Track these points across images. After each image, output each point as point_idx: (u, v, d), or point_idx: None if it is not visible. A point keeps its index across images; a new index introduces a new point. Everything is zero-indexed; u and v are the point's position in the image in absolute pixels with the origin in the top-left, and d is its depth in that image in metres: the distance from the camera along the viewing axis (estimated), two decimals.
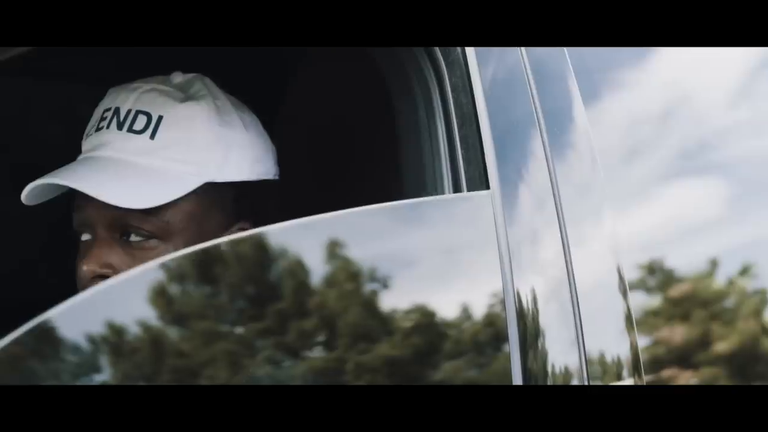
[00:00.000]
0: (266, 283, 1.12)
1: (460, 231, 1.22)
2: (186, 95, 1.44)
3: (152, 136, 1.39)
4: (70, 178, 1.37)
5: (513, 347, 1.17)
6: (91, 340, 1.04)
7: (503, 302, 1.18)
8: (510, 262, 1.19)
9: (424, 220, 1.21)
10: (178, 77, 1.48)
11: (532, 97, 1.30)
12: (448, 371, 1.16)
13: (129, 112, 1.41)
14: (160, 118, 1.40)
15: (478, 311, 1.17)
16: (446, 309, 1.16)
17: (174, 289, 1.08)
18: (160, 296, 1.07)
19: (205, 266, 1.10)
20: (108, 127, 1.42)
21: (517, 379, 1.18)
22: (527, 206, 1.24)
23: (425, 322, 1.15)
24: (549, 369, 1.20)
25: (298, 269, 1.12)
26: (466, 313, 1.16)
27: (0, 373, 1.03)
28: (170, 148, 1.39)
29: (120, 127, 1.41)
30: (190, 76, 1.48)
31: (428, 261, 1.20)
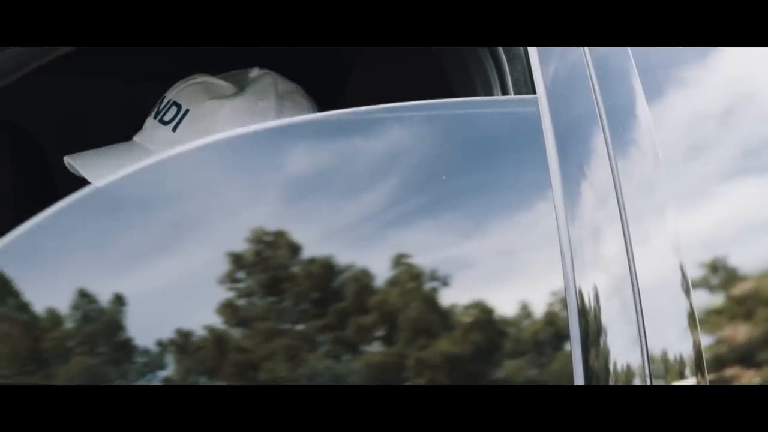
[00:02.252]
0: (328, 284, 1.13)
1: (521, 230, 1.22)
2: (234, 92, 1.44)
3: (174, 129, 1.40)
4: (81, 161, 1.41)
5: (574, 344, 1.17)
6: None
7: (564, 300, 1.17)
8: (572, 259, 1.19)
9: (484, 221, 1.21)
10: (254, 72, 1.49)
11: (595, 94, 1.29)
12: (510, 369, 1.15)
13: (168, 102, 1.43)
14: (187, 111, 1.41)
15: (539, 309, 1.17)
16: (506, 307, 1.16)
17: (241, 301, 1.10)
18: (226, 307, 1.09)
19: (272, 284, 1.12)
20: (150, 113, 1.44)
21: (579, 377, 1.17)
22: (589, 203, 1.23)
23: (485, 319, 1.15)
24: (611, 367, 1.19)
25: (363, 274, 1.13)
26: (526, 311, 1.16)
27: None
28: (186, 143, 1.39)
29: (156, 115, 1.43)
30: (263, 72, 1.49)
31: (488, 261, 1.20)
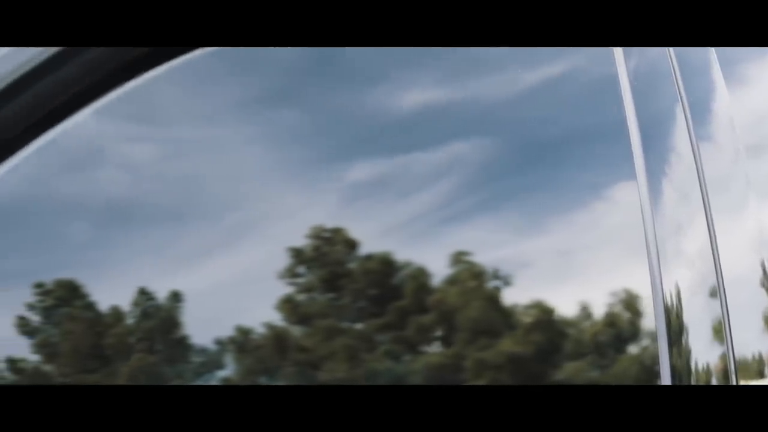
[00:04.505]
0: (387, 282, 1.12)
1: (579, 229, 1.20)
2: None
3: None
4: None
5: (661, 342, 1.15)
6: None
7: (625, 300, 1.16)
8: (658, 256, 1.17)
9: (543, 220, 1.20)
10: None
11: (678, 89, 1.27)
12: (570, 370, 1.14)
13: None
14: None
15: (599, 310, 1.16)
16: (566, 308, 1.15)
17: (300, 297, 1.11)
18: (286, 303, 1.10)
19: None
20: None
21: (665, 376, 1.15)
22: (673, 198, 1.22)
23: (545, 319, 1.13)
24: (692, 365, 1.18)
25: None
26: (586, 311, 1.15)
27: None
28: None
29: None
30: None
31: (548, 260, 1.19)
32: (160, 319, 1.09)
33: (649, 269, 1.16)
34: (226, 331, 1.09)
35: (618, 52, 1.27)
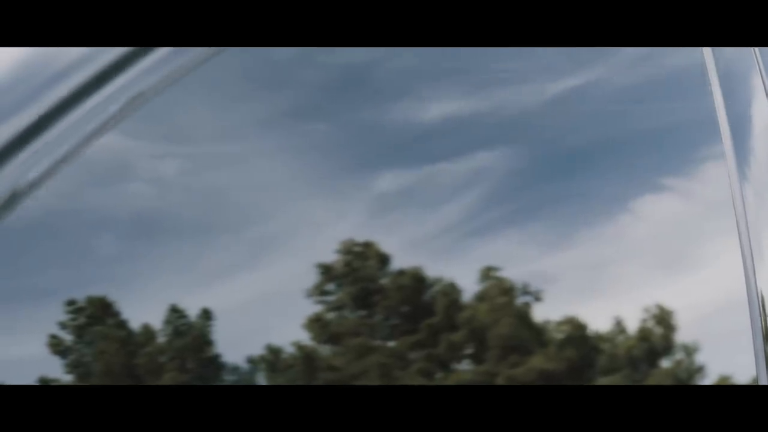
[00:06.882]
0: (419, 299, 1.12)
1: (607, 242, 1.20)
2: None
3: None
4: None
5: (757, 346, 1.15)
6: None
7: (658, 315, 1.15)
8: (752, 257, 1.17)
9: (572, 233, 1.19)
10: None
11: (764, 86, 1.27)
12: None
13: None
14: None
15: (632, 324, 1.15)
16: (599, 323, 1.14)
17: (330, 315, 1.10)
18: (314, 322, 1.09)
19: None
20: None
21: (762, 378, 1.15)
22: (753, 198, 1.21)
23: (579, 335, 1.13)
24: None
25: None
26: (619, 326, 1.14)
27: None
28: None
29: None
30: None
31: (578, 274, 1.18)
32: (191, 337, 1.09)
33: (744, 270, 1.16)
34: (257, 349, 1.09)
35: (707, 51, 1.26)
